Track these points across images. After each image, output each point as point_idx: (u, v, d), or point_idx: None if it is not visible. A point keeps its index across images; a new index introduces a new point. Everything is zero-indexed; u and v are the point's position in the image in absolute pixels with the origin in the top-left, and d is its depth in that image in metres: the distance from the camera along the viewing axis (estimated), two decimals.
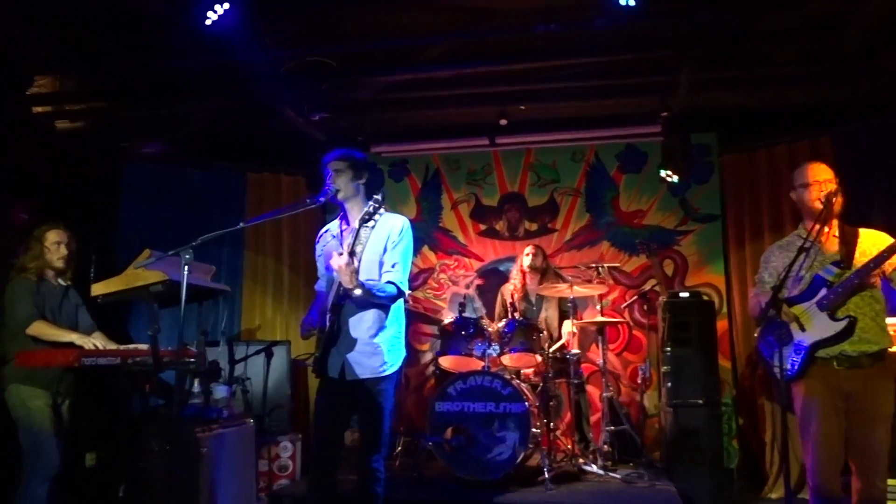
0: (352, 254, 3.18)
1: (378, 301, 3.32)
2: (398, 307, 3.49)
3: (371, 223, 3.31)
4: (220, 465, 4.15)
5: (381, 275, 3.36)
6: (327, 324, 3.32)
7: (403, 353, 3.52)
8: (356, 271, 3.14)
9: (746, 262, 6.10)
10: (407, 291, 3.45)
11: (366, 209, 3.18)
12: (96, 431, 5.14)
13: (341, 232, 3.49)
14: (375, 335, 3.35)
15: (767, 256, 3.65)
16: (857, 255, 3.33)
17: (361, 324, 3.35)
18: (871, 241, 3.37)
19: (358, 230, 3.29)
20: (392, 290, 3.32)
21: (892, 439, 3.28)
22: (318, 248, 3.65)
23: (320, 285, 3.64)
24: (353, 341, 3.33)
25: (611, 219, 6.61)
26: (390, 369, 3.38)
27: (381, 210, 3.20)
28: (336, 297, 3.31)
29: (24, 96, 5.45)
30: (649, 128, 6.12)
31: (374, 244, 3.36)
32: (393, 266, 3.36)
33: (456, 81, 5.40)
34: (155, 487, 3.89)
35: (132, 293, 3.99)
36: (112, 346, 4.19)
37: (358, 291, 3.15)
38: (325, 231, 3.65)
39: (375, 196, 3.18)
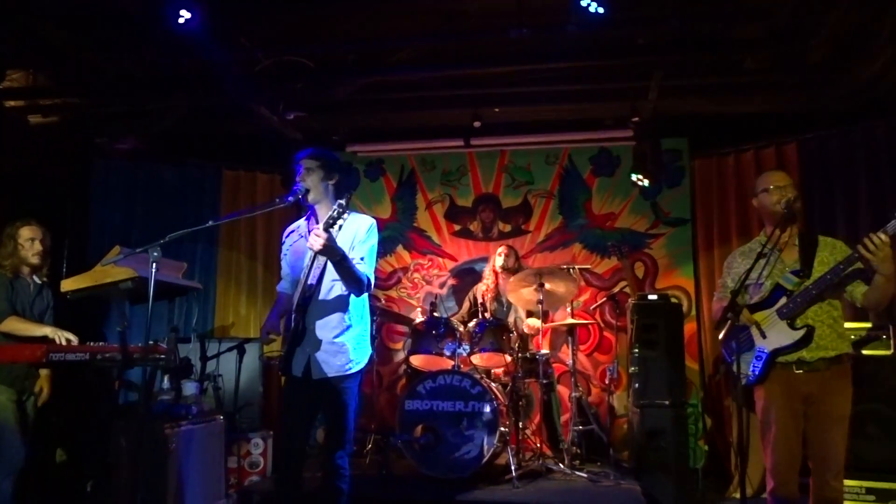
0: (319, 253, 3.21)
1: (351, 282, 3.33)
2: (363, 306, 3.53)
3: (336, 227, 3.33)
4: (188, 461, 4.18)
5: None
6: (293, 324, 3.35)
7: (369, 351, 3.55)
8: (333, 239, 3.15)
9: (715, 266, 6.20)
10: (373, 284, 3.49)
11: (330, 213, 3.17)
12: (66, 428, 5.15)
13: (309, 232, 3.52)
14: (340, 335, 3.40)
15: (730, 262, 3.73)
16: (815, 263, 3.41)
17: (326, 324, 3.39)
18: (829, 250, 3.44)
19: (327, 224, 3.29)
20: (364, 275, 3.36)
21: (849, 441, 3.37)
22: (284, 247, 3.68)
23: (283, 286, 3.67)
24: (319, 341, 3.37)
25: (583, 221, 6.70)
26: (356, 367, 3.43)
27: (346, 215, 3.21)
28: (301, 298, 3.34)
29: None
30: (622, 132, 6.23)
31: (340, 244, 3.38)
32: (361, 259, 3.40)
33: (430, 83, 5.46)
34: (123, 483, 3.92)
35: (102, 290, 4.02)
36: None
37: (338, 258, 3.19)
38: (292, 231, 3.67)
39: (340, 201, 3.16)
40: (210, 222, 3.55)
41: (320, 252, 3.16)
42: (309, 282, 3.34)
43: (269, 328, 3.49)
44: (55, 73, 5.64)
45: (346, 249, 3.37)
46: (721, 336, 3.56)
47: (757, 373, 3.43)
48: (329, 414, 3.45)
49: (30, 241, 4.28)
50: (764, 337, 3.43)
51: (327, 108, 6.00)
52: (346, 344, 3.40)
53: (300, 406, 3.45)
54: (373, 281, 3.46)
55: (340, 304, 3.41)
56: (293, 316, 3.36)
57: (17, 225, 4.31)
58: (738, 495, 5.35)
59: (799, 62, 4.87)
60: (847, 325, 3.61)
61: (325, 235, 3.09)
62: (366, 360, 3.50)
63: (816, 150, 5.77)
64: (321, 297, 3.39)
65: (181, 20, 4.38)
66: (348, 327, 3.43)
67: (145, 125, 6.09)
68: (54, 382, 4.43)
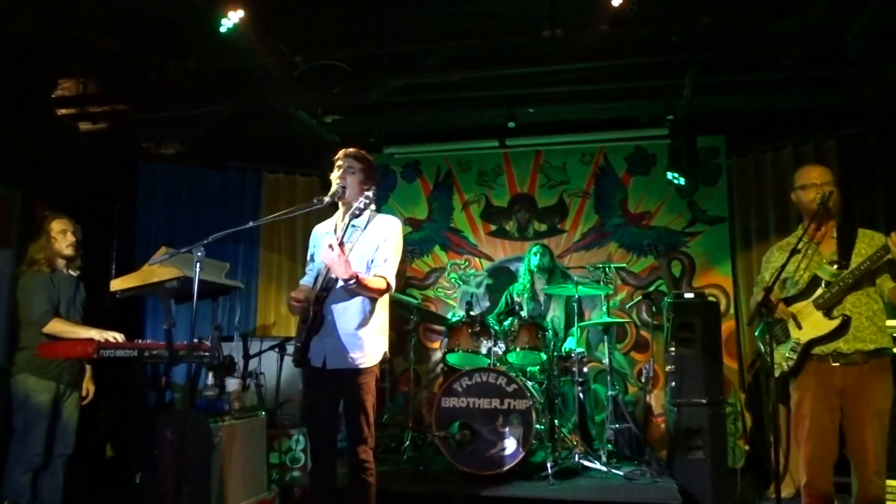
0: (341, 245, 3.26)
1: (367, 294, 3.39)
2: (383, 303, 3.56)
3: (362, 220, 3.34)
4: (231, 455, 4.29)
5: (369, 269, 3.44)
6: (311, 314, 3.39)
7: (384, 348, 3.56)
8: (348, 262, 3.21)
9: (753, 264, 6.15)
10: (394, 286, 3.51)
11: (357, 204, 3.21)
12: (114, 423, 5.33)
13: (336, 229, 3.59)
14: (359, 327, 3.43)
15: (768, 257, 3.74)
16: (853, 255, 3.40)
17: (346, 315, 3.42)
18: (867, 241, 3.44)
19: (347, 226, 3.33)
20: (381, 283, 3.40)
21: (891, 441, 3.34)
22: (315, 241, 3.72)
23: (307, 280, 3.71)
24: (336, 332, 3.41)
25: (619, 220, 6.70)
26: (370, 362, 3.45)
27: (372, 206, 3.21)
28: (320, 289, 3.40)
29: (49, 99, 5.65)
30: (658, 130, 6.21)
31: (366, 241, 3.43)
32: (384, 261, 3.44)
33: (464, 84, 5.51)
34: (169, 475, 4.04)
35: (148, 289, 4.15)
36: None
37: (352, 283, 3.22)
38: (328, 232, 3.66)
39: (367, 192, 3.21)
40: (251, 223, 3.65)
41: (331, 265, 3.21)
42: (330, 275, 3.37)
43: (292, 296, 3.53)
44: (103, 81, 5.86)
45: (371, 249, 3.43)
46: (757, 332, 3.57)
47: (792, 364, 3.43)
48: (347, 410, 3.48)
49: (62, 234, 4.33)
50: (799, 328, 3.42)
51: (364, 110, 6.10)
52: (362, 337, 3.43)
53: (322, 398, 3.50)
54: (393, 284, 3.48)
55: (359, 298, 3.43)
56: (311, 307, 3.40)
57: (49, 218, 4.37)
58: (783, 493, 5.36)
59: (836, 57, 4.82)
60: (890, 322, 3.58)
61: (336, 253, 3.15)
62: (380, 357, 3.51)
63: (856, 145, 5.69)
64: (339, 289, 3.41)
65: (223, 28, 4.50)
66: (367, 321, 3.45)
67: (188, 130, 6.28)
68: (103, 379, 4.58)
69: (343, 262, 3.18)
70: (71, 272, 4.44)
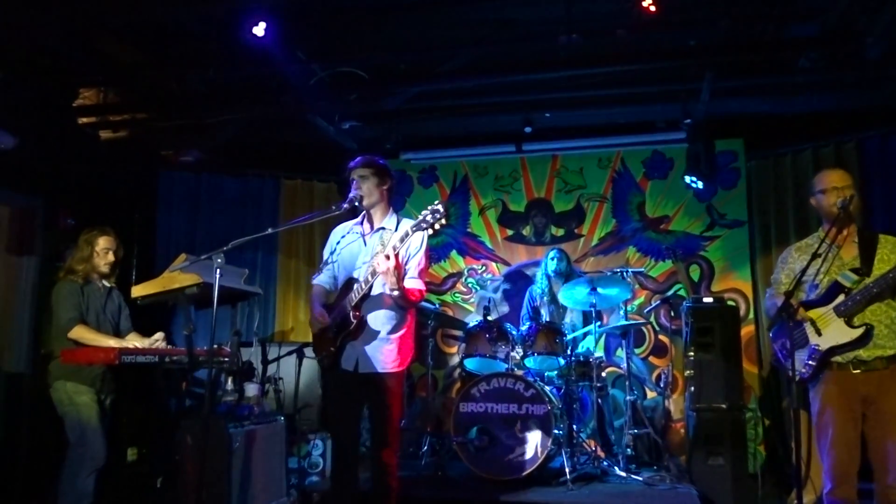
0: (396, 256, 3.29)
1: (403, 303, 3.44)
2: (412, 310, 3.63)
3: (392, 223, 3.36)
4: (250, 459, 4.31)
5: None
6: (353, 320, 3.43)
7: (411, 353, 3.64)
8: (401, 273, 3.27)
9: (773, 268, 6.09)
10: (424, 293, 3.59)
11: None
12: (137, 428, 5.37)
13: (363, 235, 3.63)
14: (391, 332, 3.51)
15: (784, 257, 3.71)
16: (876, 261, 3.37)
17: (378, 320, 3.49)
18: (889, 248, 3.41)
19: (409, 234, 3.28)
20: (416, 291, 3.47)
21: None
22: (335, 244, 3.74)
23: (321, 280, 3.78)
24: (370, 336, 3.47)
25: (637, 224, 6.68)
26: (401, 366, 3.54)
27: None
28: (361, 298, 3.43)
29: (71, 108, 5.72)
30: (675, 134, 6.18)
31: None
32: (419, 273, 3.51)
33: (481, 90, 5.52)
34: (189, 480, 4.07)
35: (169, 295, 4.21)
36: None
37: (396, 293, 3.30)
38: (348, 232, 3.73)
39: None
40: (269, 230, 3.68)
41: (384, 274, 3.26)
42: (372, 280, 3.40)
43: (319, 318, 3.57)
44: (124, 90, 5.92)
45: (401, 259, 3.44)
46: (771, 333, 3.54)
47: (811, 370, 3.40)
48: (374, 413, 3.52)
49: (105, 251, 4.45)
50: (819, 334, 3.39)
51: (381, 117, 6.13)
52: (394, 341, 3.50)
53: (349, 402, 3.55)
54: (424, 291, 3.56)
55: (391, 304, 3.49)
56: (350, 312, 3.44)
57: (96, 233, 4.47)
58: (804, 500, 5.30)
59: (856, 59, 4.77)
60: None
61: (392, 264, 3.20)
62: (408, 361, 3.60)
63: (877, 148, 5.65)
64: (374, 295, 3.47)
65: (258, 32, 4.55)
66: (397, 326, 3.53)
67: (208, 138, 6.32)
68: (125, 384, 4.63)
69: (396, 273, 3.24)
70: (104, 283, 4.53)
